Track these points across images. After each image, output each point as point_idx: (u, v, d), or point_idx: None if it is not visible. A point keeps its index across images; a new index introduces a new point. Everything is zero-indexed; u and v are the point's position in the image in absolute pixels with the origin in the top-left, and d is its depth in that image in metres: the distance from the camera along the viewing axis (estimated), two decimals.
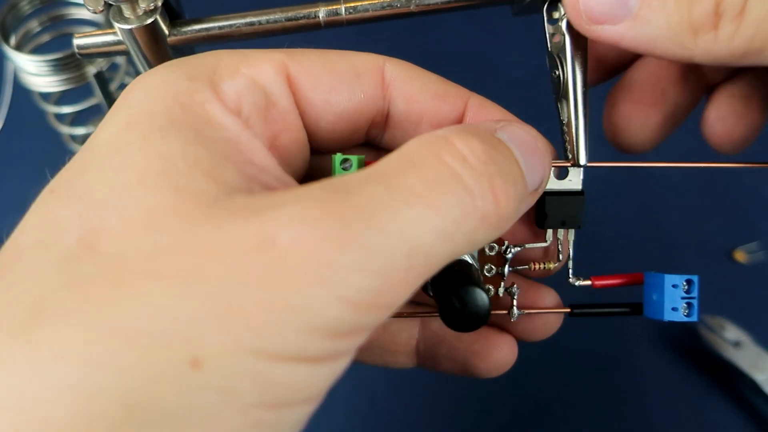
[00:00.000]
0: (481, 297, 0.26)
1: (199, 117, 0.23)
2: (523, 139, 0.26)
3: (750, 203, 0.64)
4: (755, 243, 0.61)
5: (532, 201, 0.27)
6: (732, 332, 0.53)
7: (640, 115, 0.32)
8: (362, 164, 0.28)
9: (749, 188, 0.65)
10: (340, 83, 0.28)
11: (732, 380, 0.54)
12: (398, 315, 0.32)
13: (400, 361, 0.34)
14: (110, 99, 0.55)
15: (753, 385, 0.52)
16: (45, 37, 0.59)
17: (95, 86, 0.54)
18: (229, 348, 0.19)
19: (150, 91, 0.24)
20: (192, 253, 0.19)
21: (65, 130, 0.62)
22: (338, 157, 0.28)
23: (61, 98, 0.61)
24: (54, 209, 0.22)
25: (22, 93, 0.62)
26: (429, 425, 0.54)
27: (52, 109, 0.61)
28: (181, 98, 0.24)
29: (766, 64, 0.25)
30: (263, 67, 0.27)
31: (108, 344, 0.18)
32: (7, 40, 0.55)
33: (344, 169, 0.28)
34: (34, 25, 0.58)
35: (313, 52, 0.28)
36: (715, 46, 0.24)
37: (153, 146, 0.22)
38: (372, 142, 0.32)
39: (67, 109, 0.60)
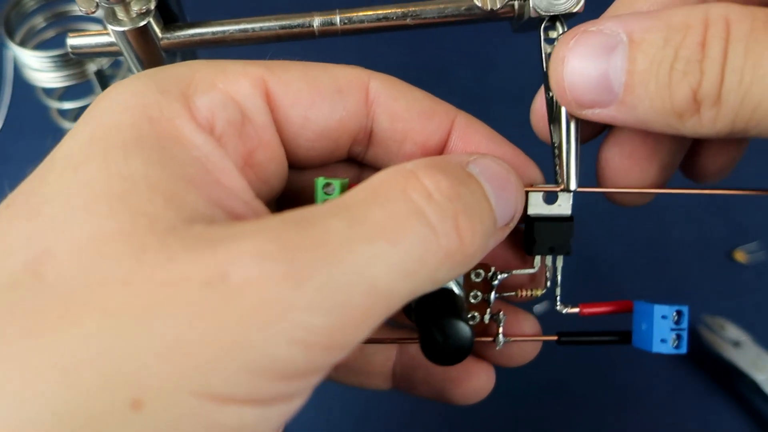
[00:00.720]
0: (464, 330, 0.25)
1: (168, 134, 0.23)
2: (496, 172, 0.26)
3: (750, 203, 0.64)
4: (755, 243, 0.61)
5: (502, 236, 0.26)
6: (732, 332, 0.54)
7: (636, 169, 0.30)
8: (345, 188, 0.27)
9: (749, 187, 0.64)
10: (321, 100, 0.27)
11: (732, 380, 0.54)
12: (376, 341, 0.31)
13: (376, 383, 0.33)
14: None
15: (753, 385, 0.52)
16: (50, 33, 0.59)
17: (95, 84, 0.53)
18: (173, 388, 0.18)
19: (118, 104, 0.23)
20: (140, 285, 0.19)
21: (68, 126, 0.62)
22: (320, 181, 0.27)
23: (64, 94, 0.61)
24: (4, 227, 0.21)
25: (21, 93, 0.62)
26: None
27: (55, 105, 0.61)
28: (150, 113, 0.23)
29: (755, 136, 0.24)
30: (240, 82, 0.26)
31: (46, 381, 0.17)
32: (11, 36, 0.54)
33: (326, 193, 0.27)
34: (38, 21, 0.58)
35: (295, 65, 0.28)
36: (701, 128, 0.24)
37: (114, 165, 0.21)
38: (355, 158, 0.31)
39: (68, 105, 0.60)
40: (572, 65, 0.25)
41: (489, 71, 0.72)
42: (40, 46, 0.58)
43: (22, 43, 0.56)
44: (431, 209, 0.22)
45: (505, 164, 0.27)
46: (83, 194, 0.20)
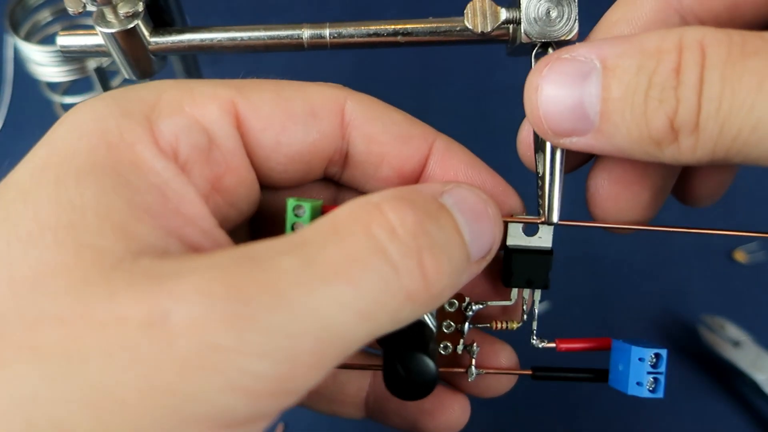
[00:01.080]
0: (428, 366, 0.25)
1: (126, 160, 0.22)
2: (471, 204, 0.24)
3: (750, 203, 0.63)
4: (755, 243, 0.60)
5: (477, 269, 0.25)
6: (732, 332, 0.53)
7: (626, 194, 0.29)
8: (317, 211, 0.26)
9: (749, 188, 0.64)
10: (294, 123, 0.27)
11: (732, 380, 0.54)
12: (348, 366, 0.31)
13: (348, 412, 0.32)
14: None
15: (753, 385, 0.52)
16: (55, 28, 0.59)
17: (95, 80, 0.53)
18: None
19: (76, 128, 0.22)
20: (76, 325, 0.18)
21: None
22: (291, 202, 0.26)
23: (69, 89, 0.61)
24: None
25: (22, 89, 0.62)
26: None
27: (59, 99, 0.60)
28: (109, 138, 0.22)
29: (739, 164, 0.23)
30: (208, 106, 0.25)
31: None
32: (16, 31, 0.54)
33: (297, 215, 0.26)
34: (44, 15, 0.58)
35: (268, 86, 0.27)
36: (681, 156, 0.23)
37: (64, 194, 0.20)
38: (331, 178, 0.30)
39: (72, 100, 0.60)
40: (546, 93, 0.24)
41: (493, 70, 0.71)
42: (44, 41, 0.58)
43: (27, 38, 0.56)
44: (394, 247, 0.20)
45: (483, 194, 0.25)
46: (29, 225, 0.20)
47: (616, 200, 0.29)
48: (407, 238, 0.21)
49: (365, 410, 0.32)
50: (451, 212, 0.23)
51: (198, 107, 0.25)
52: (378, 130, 0.28)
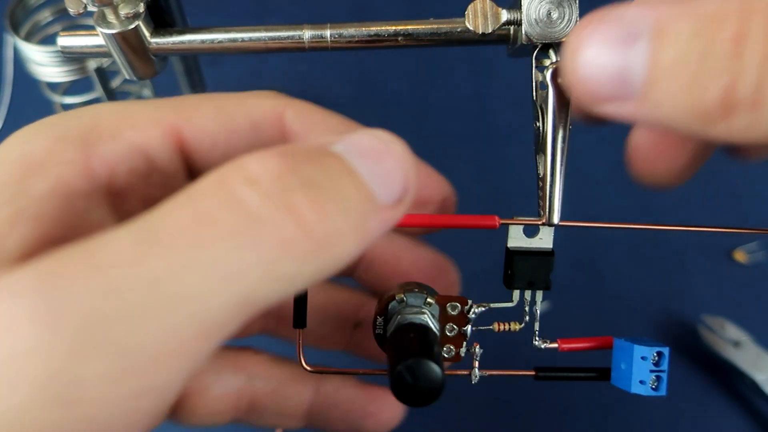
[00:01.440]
0: (435, 371, 0.24)
1: (42, 177, 0.22)
2: (367, 145, 0.21)
3: (750, 203, 0.63)
4: (755, 243, 0.60)
5: (394, 215, 0.21)
6: (732, 332, 0.53)
7: (665, 156, 0.27)
8: None
9: (749, 188, 0.64)
10: (238, 139, 0.27)
11: (732, 380, 0.54)
12: (349, 372, 0.31)
13: (289, 425, 0.32)
14: (110, 93, 0.55)
15: (753, 385, 0.52)
16: (56, 28, 0.59)
17: (95, 81, 0.53)
18: None
19: (1, 156, 0.22)
20: None
21: None
22: None
23: (69, 89, 0.61)
24: None
25: (21, 92, 0.62)
26: None
27: (59, 100, 0.60)
28: (31, 159, 0.22)
29: None
30: (149, 131, 0.25)
31: None
32: (16, 31, 0.54)
33: None
34: (44, 15, 0.58)
35: (208, 102, 0.27)
36: (732, 134, 0.20)
37: None
38: None
39: (72, 100, 0.60)
40: (587, 54, 0.22)
41: (494, 71, 0.70)
42: (44, 41, 0.58)
43: (27, 38, 0.56)
44: (251, 195, 0.18)
45: (385, 135, 0.22)
46: None
47: (654, 163, 0.28)
48: (268, 183, 0.18)
49: (306, 420, 0.32)
50: (341, 156, 0.20)
51: (138, 132, 0.25)
52: (316, 135, 0.28)
